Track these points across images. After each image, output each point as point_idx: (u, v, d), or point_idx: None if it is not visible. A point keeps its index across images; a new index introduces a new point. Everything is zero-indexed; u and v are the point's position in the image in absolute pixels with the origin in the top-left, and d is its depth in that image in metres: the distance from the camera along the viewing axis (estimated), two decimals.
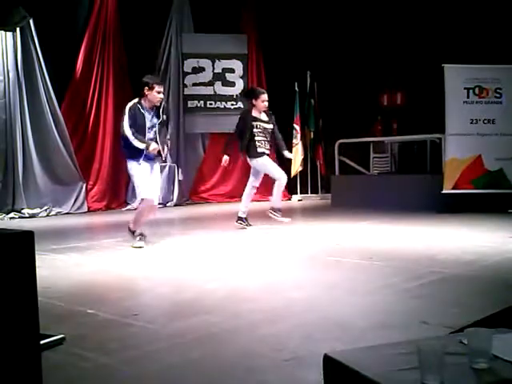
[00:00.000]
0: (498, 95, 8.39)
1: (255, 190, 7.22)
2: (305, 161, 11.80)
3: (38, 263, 2.05)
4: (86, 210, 9.74)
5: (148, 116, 5.71)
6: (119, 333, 3.04)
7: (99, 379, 2.44)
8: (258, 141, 6.87)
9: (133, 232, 5.96)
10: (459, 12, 9.46)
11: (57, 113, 9.35)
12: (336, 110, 11.37)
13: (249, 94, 7.14)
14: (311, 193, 12.03)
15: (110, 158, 10.13)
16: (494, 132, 8.37)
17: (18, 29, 8.68)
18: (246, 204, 7.11)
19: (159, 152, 5.70)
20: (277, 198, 7.10)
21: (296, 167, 11.64)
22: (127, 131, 5.57)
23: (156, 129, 5.78)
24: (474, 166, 8.35)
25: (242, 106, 11.49)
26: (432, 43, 9.66)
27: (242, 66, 11.54)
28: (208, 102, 11.39)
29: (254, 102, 6.91)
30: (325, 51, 11.48)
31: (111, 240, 6.48)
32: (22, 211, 8.88)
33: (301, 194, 11.91)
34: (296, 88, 11.63)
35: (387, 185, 9.44)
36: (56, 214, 9.26)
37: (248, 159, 7.00)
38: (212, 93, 11.41)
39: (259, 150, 6.86)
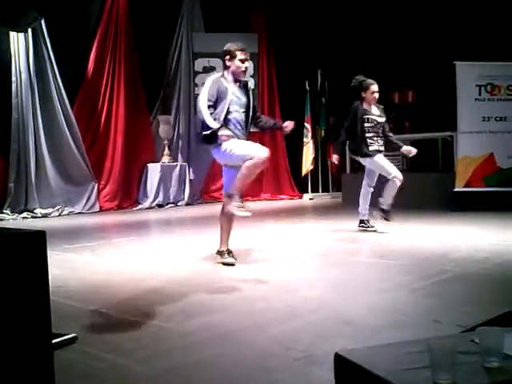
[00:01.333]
0: (510, 92, 8.34)
1: (372, 190, 6.63)
2: (316, 159, 11.79)
3: (50, 262, 2.06)
4: (98, 209, 9.79)
5: (233, 91, 4.61)
6: (132, 332, 3.04)
7: (112, 378, 2.44)
8: (370, 137, 6.35)
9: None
10: (470, 9, 9.41)
11: (68, 113, 9.40)
12: (347, 109, 11.33)
13: (357, 86, 6.53)
14: (322, 191, 12.03)
15: (121, 158, 10.18)
16: (507, 130, 8.32)
17: (29, 30, 8.73)
18: (364, 206, 6.62)
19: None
20: (387, 198, 6.37)
21: (307, 166, 11.65)
22: (202, 103, 4.43)
23: (242, 113, 4.67)
24: (486, 163, 8.31)
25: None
26: (443, 41, 9.61)
27: (252, 65, 11.54)
28: None
29: (363, 94, 6.45)
30: (335, 50, 11.45)
31: (123, 239, 6.51)
32: (35, 211, 8.93)
33: (312, 192, 11.89)
34: (307, 87, 11.62)
35: None
36: (68, 214, 9.31)
37: (360, 159, 6.55)
38: None
39: (371, 148, 6.35)
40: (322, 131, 11.81)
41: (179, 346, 2.80)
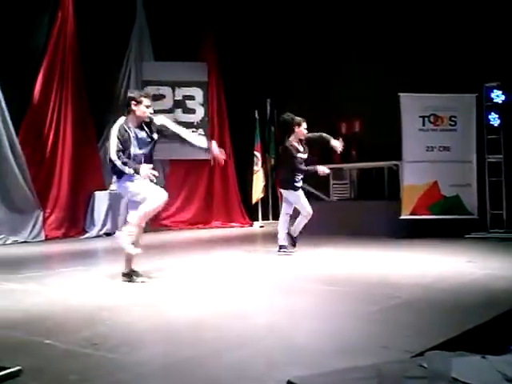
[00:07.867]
0: (452, 123, 8.65)
1: (288, 218, 7.17)
2: (266, 187, 11.86)
3: None
4: (44, 238, 9.52)
5: (135, 136, 5.25)
6: (78, 364, 2.95)
7: None
8: (298, 175, 6.89)
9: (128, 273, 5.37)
10: (414, 42, 9.75)
11: (13, 138, 9.15)
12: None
13: (289, 122, 6.98)
14: (273, 219, 12.06)
15: (68, 185, 9.98)
16: (450, 159, 8.59)
17: None
18: (282, 232, 7.06)
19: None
20: (297, 228, 7.11)
21: (257, 194, 11.70)
22: (113, 156, 5.12)
23: (147, 149, 5.33)
24: (430, 192, 8.54)
25: (202, 133, 11.52)
26: (388, 72, 9.91)
27: (202, 93, 11.60)
28: None
29: (296, 129, 6.88)
30: (284, 79, 11.65)
31: (69, 269, 6.35)
32: None
33: (262, 220, 11.93)
34: (256, 115, 11.74)
35: (347, 211, 9.55)
36: (12, 243, 9.03)
37: (282, 190, 7.09)
38: (173, 120, 11.38)
39: (297, 184, 6.92)
40: (272, 159, 11.90)
41: (128, 378, 2.73)
